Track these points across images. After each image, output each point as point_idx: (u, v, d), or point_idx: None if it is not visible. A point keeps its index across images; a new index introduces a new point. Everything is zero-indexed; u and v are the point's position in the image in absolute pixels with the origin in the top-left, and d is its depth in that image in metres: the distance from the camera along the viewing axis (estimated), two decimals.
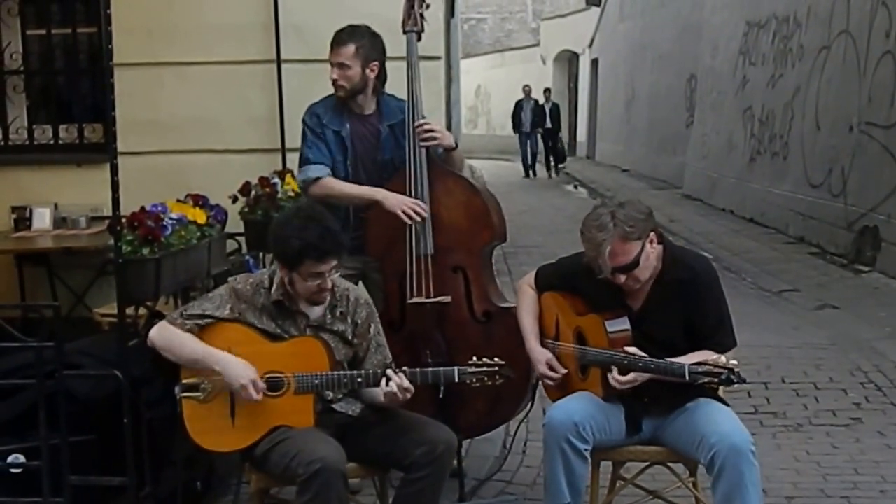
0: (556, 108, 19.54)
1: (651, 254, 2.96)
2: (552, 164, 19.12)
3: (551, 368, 3.15)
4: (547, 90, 20.44)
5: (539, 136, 19.14)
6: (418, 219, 3.53)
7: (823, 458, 4.25)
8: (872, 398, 5.01)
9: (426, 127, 3.61)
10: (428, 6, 3.73)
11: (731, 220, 11.37)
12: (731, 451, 2.81)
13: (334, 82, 3.72)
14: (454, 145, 3.74)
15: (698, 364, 2.77)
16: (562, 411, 2.99)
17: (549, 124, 19.01)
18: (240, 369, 2.88)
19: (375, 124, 3.77)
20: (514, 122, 19.40)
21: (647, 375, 2.91)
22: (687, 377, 2.78)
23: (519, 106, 19.33)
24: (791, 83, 10.52)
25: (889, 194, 7.93)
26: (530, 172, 19.22)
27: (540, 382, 3.37)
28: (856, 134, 8.67)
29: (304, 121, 3.79)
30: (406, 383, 2.90)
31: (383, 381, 2.90)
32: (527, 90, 19.57)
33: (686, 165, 14.29)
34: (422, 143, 3.60)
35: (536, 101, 19.27)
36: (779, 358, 5.69)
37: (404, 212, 3.52)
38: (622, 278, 2.94)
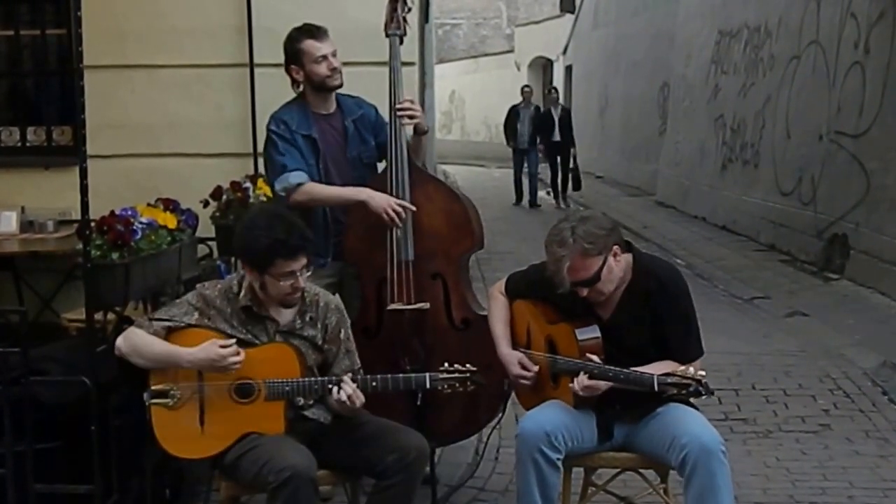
0: (567, 115, 14.47)
1: (615, 267, 2.95)
2: (563, 188, 14.43)
3: (524, 368, 3.13)
4: (552, 89, 16.17)
5: (541, 152, 14.37)
6: (400, 223, 3.47)
7: (792, 465, 4.29)
8: (841, 405, 5.07)
9: (407, 105, 3.55)
10: (410, 9, 3.71)
11: (703, 228, 11.45)
12: (702, 452, 2.83)
13: (332, 72, 3.63)
14: (426, 129, 3.71)
15: (667, 375, 2.78)
16: (533, 422, 2.99)
17: (557, 137, 14.15)
18: (204, 353, 2.83)
19: (340, 122, 3.74)
20: (507, 133, 14.66)
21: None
22: (655, 388, 2.78)
23: (514, 114, 14.43)
24: (762, 92, 10.62)
25: (858, 203, 8.02)
26: (526, 198, 14.38)
27: (513, 389, 3.37)
28: (825, 143, 8.77)
29: (270, 129, 3.70)
30: (354, 391, 2.86)
31: (334, 389, 2.87)
32: (526, 92, 14.70)
33: (659, 173, 14.38)
34: (403, 123, 3.54)
35: (538, 108, 14.63)
36: (749, 365, 5.74)
37: (388, 213, 3.46)
38: (584, 291, 2.94)
